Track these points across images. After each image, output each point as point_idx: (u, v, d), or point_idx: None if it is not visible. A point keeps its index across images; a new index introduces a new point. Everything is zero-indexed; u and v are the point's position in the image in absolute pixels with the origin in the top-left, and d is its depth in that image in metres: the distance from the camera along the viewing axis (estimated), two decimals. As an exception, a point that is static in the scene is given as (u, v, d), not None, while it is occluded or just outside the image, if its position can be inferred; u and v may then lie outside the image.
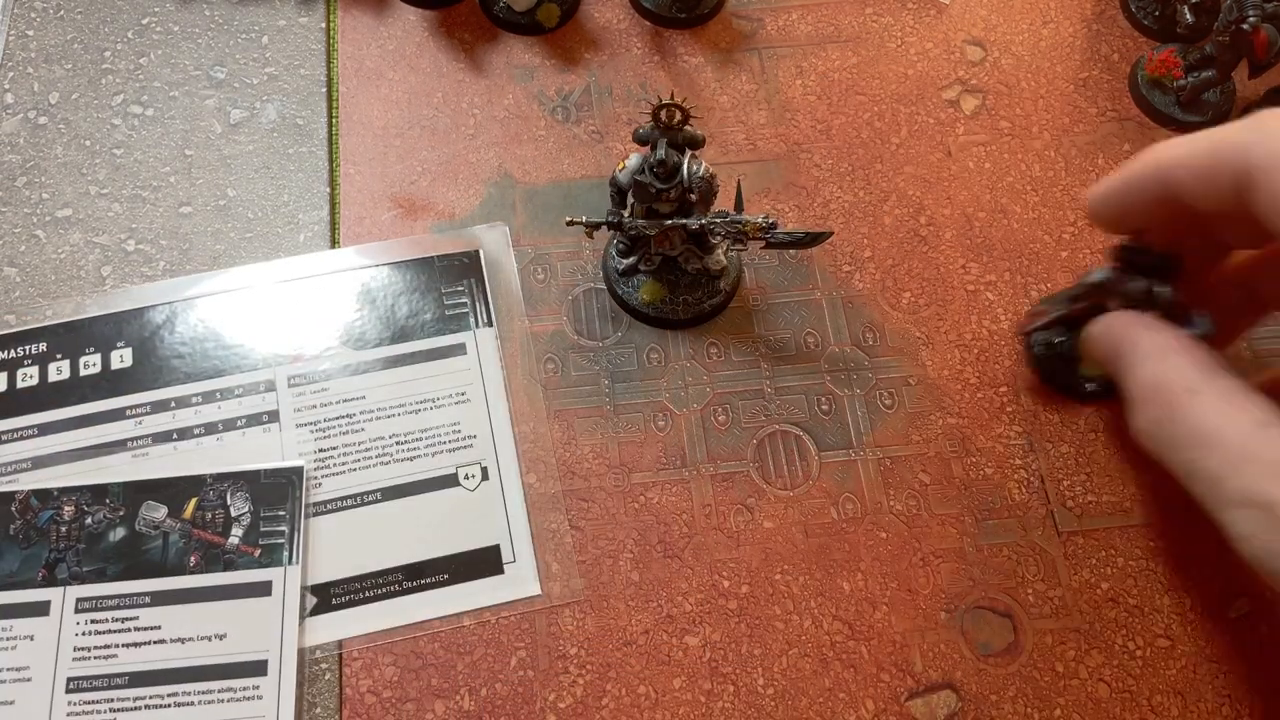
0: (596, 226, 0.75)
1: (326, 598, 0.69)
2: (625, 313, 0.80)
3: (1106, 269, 0.72)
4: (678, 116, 0.71)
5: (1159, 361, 0.61)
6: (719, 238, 0.73)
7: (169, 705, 0.65)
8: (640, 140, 0.73)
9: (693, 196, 0.73)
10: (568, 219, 0.75)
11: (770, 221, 0.72)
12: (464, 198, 0.84)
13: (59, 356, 0.76)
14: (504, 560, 0.71)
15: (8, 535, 0.69)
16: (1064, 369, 0.77)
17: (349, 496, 0.72)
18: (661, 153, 0.71)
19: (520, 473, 0.74)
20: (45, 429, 0.74)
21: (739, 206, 0.74)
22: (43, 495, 0.71)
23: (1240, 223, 0.57)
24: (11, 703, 0.65)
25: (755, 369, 0.79)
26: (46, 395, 0.75)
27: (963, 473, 0.75)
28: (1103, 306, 0.73)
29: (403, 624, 0.69)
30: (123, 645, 0.67)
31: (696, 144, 0.73)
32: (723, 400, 0.77)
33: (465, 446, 0.74)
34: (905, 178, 0.87)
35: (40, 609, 0.67)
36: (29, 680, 0.65)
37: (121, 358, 0.76)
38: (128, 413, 0.74)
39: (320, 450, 0.74)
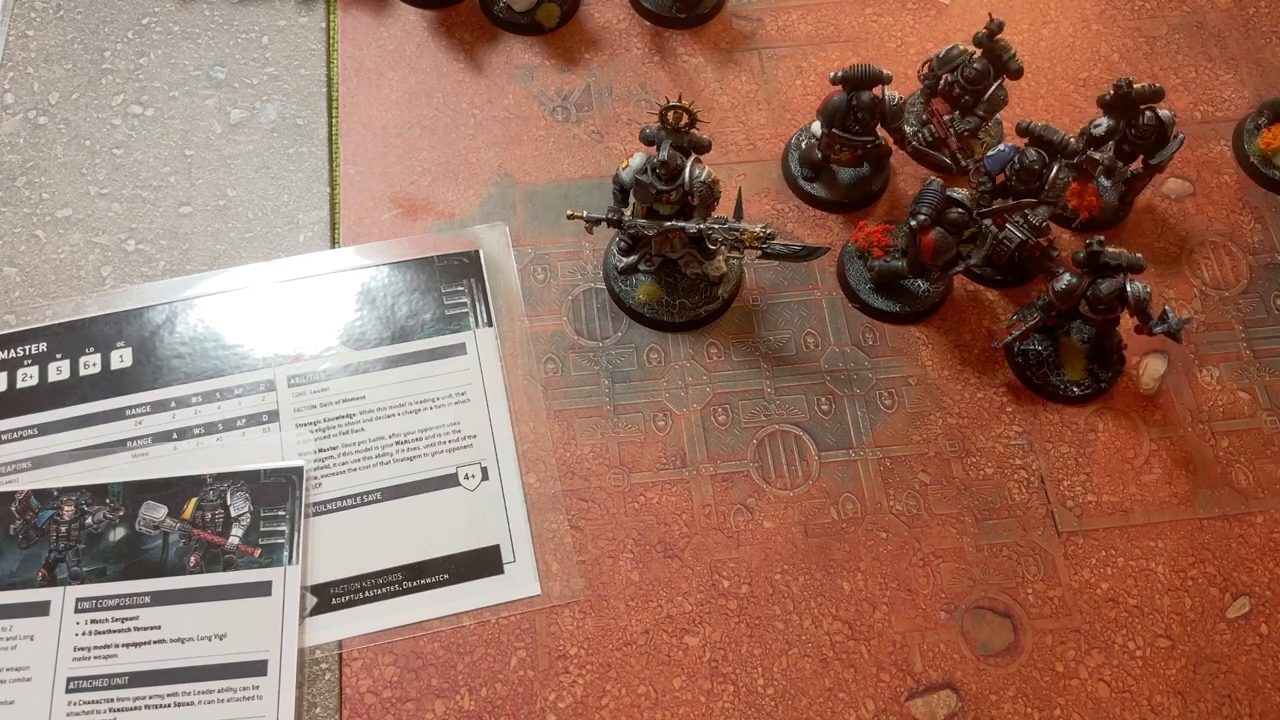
0: (597, 222, 0.75)
1: (326, 598, 0.69)
2: (623, 311, 0.80)
3: (1073, 275, 0.73)
4: (684, 119, 0.71)
5: None
6: (717, 244, 0.74)
7: (169, 705, 0.65)
8: (646, 140, 0.73)
9: (693, 200, 0.73)
10: (569, 212, 0.75)
11: (769, 232, 0.72)
12: (464, 198, 0.84)
13: (59, 356, 0.76)
14: (504, 560, 0.71)
15: (8, 535, 0.69)
16: (1050, 375, 0.77)
17: (349, 496, 0.72)
18: (665, 154, 0.71)
19: (520, 473, 0.74)
20: (45, 429, 0.74)
21: (738, 214, 0.74)
22: (43, 495, 0.71)
23: None
24: (11, 703, 0.65)
25: (755, 369, 0.79)
26: (46, 395, 0.75)
27: (963, 473, 0.75)
28: (1076, 312, 0.74)
29: (403, 624, 0.69)
30: (123, 645, 0.67)
31: (702, 148, 0.73)
32: (723, 400, 0.77)
33: (465, 446, 0.74)
34: (905, 178, 0.87)
35: (40, 609, 0.67)
36: (29, 680, 0.65)
37: (121, 358, 0.76)
38: (128, 413, 0.74)
39: (320, 450, 0.74)
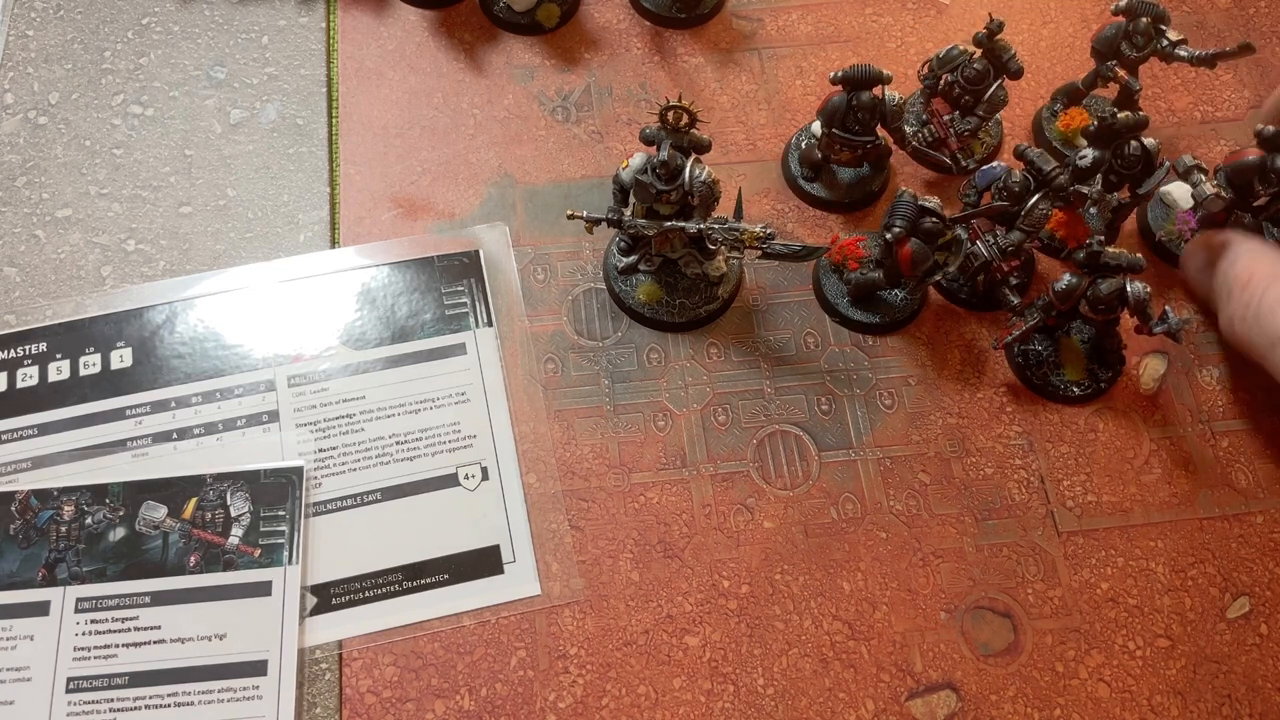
0: (597, 222, 0.75)
1: (326, 598, 0.69)
2: (623, 311, 0.80)
3: (1073, 276, 0.73)
4: (684, 119, 0.71)
5: (1250, 257, 0.73)
6: (717, 244, 0.74)
7: (169, 705, 0.65)
8: (646, 140, 0.73)
9: (693, 200, 0.73)
10: (569, 212, 0.75)
11: (769, 232, 0.72)
12: (464, 198, 0.84)
13: (59, 356, 0.76)
14: (504, 560, 0.71)
15: (8, 535, 0.69)
16: (1050, 375, 0.77)
17: (349, 496, 0.72)
18: (665, 154, 0.71)
19: (520, 473, 0.74)
20: (45, 429, 0.74)
21: (738, 214, 0.74)
22: (43, 495, 0.71)
23: None
24: (11, 703, 0.65)
25: (755, 369, 0.79)
26: (46, 395, 0.75)
27: (963, 473, 0.75)
28: (1076, 312, 0.74)
29: (403, 624, 0.69)
30: (123, 645, 0.67)
31: (702, 148, 0.73)
32: (723, 400, 0.77)
33: (465, 446, 0.74)
34: (904, 178, 0.87)
35: (40, 609, 0.67)
36: (29, 680, 0.65)
37: (121, 358, 0.76)
38: (128, 413, 0.74)
39: (320, 450, 0.74)
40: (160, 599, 0.68)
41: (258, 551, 0.69)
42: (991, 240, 0.76)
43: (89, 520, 0.70)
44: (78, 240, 0.81)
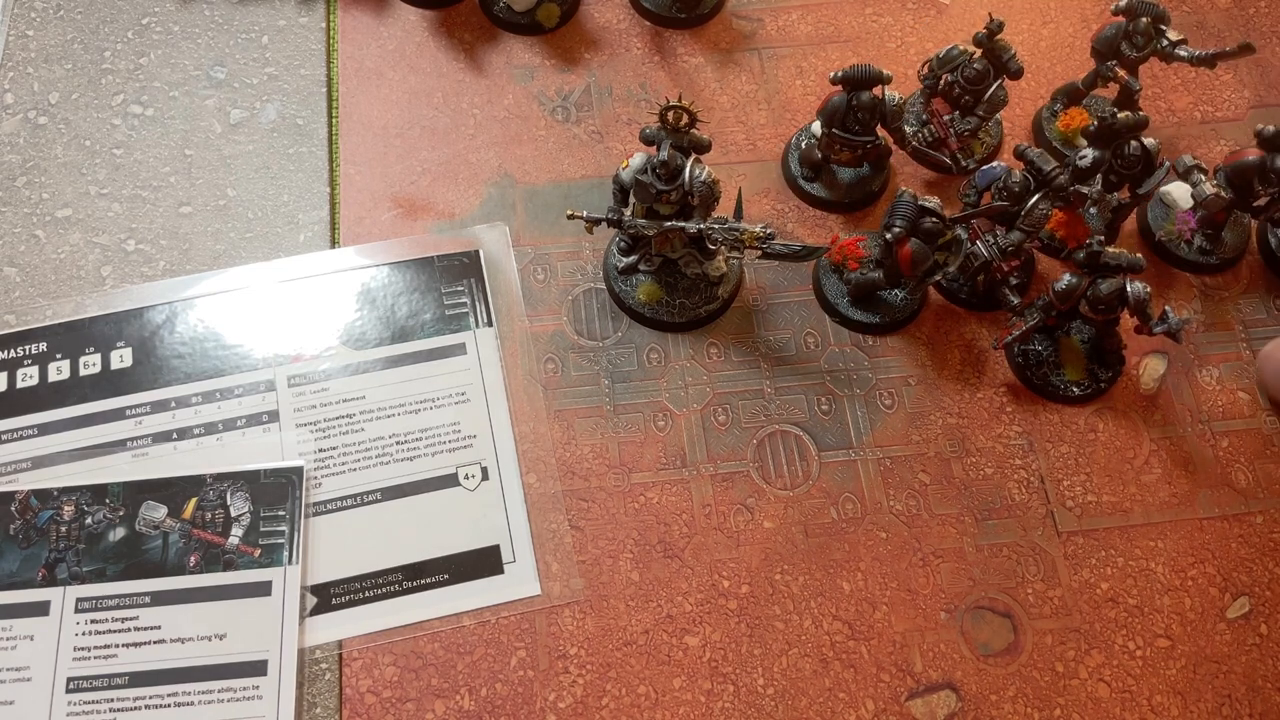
0: (597, 222, 0.75)
1: (326, 598, 0.69)
2: (623, 311, 0.80)
3: (1073, 276, 0.73)
4: (684, 119, 0.71)
5: None
6: (717, 244, 0.74)
7: (169, 705, 0.65)
8: (646, 140, 0.73)
9: (693, 200, 0.73)
10: (569, 212, 0.75)
11: (769, 232, 0.72)
12: (464, 198, 0.84)
13: (59, 356, 0.76)
14: (504, 560, 0.71)
15: (8, 535, 0.69)
16: (1050, 375, 0.77)
17: (349, 496, 0.72)
18: (665, 154, 0.71)
19: (520, 473, 0.74)
20: (45, 429, 0.74)
21: (738, 214, 0.74)
22: (43, 495, 0.71)
23: None
24: (11, 703, 0.65)
25: (755, 369, 0.79)
26: (46, 395, 0.75)
27: (963, 473, 0.75)
28: (1076, 312, 0.74)
29: (403, 624, 0.69)
30: (123, 645, 0.67)
31: (702, 148, 0.73)
32: (723, 400, 0.77)
33: (465, 446, 0.74)
34: (905, 178, 0.87)
35: (40, 609, 0.67)
36: (29, 680, 0.65)
37: (121, 358, 0.76)
38: (128, 413, 0.74)
39: (320, 450, 0.74)
40: (160, 599, 0.68)
41: (258, 551, 0.69)
42: (991, 240, 0.76)
43: (89, 520, 0.70)
44: (78, 240, 0.81)
